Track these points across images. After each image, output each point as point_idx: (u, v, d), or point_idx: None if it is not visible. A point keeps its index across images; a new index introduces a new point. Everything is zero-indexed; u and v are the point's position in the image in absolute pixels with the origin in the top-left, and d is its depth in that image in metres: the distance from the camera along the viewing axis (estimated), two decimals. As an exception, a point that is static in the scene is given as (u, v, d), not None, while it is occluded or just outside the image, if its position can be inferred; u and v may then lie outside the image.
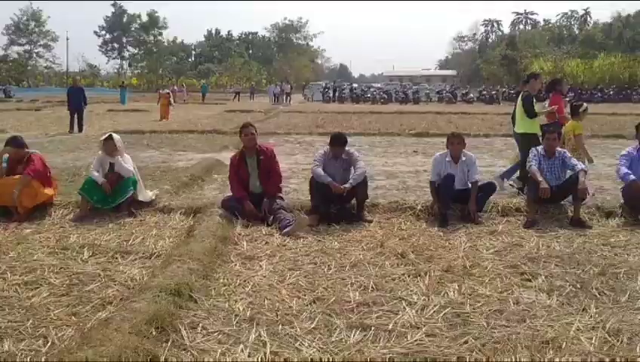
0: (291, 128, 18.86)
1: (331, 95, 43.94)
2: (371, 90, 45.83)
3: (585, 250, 5.36)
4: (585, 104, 8.87)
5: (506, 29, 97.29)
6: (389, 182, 9.16)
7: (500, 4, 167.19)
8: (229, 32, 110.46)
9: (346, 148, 6.60)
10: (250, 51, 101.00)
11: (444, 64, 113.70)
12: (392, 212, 6.68)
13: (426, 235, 5.88)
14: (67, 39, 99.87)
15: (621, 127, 18.81)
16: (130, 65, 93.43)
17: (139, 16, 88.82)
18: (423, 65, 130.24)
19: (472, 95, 42.56)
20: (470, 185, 6.54)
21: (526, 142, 8.11)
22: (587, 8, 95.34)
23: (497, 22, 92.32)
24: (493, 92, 42.32)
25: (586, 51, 53.63)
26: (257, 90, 57.48)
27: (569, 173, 6.60)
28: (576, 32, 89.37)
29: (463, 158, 6.66)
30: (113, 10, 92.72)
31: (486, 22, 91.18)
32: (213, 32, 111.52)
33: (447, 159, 6.67)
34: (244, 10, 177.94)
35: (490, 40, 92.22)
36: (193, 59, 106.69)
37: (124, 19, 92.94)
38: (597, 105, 36.63)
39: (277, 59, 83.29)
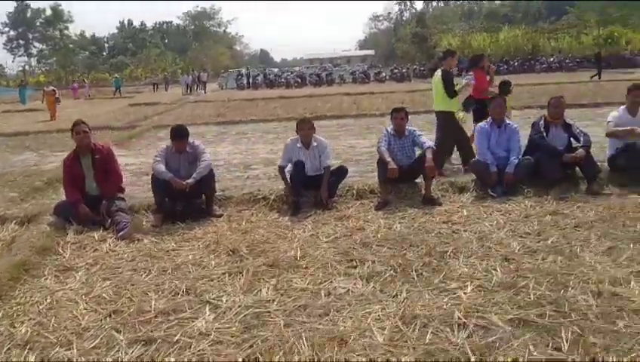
0: (192, 119, 18.19)
1: (245, 82, 43.19)
2: (284, 74, 45.32)
3: (423, 230, 5.28)
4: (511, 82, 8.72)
5: (419, 6, 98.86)
6: (265, 170, 8.89)
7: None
8: (142, 22, 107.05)
9: (190, 140, 6.26)
10: (166, 41, 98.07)
11: (363, 44, 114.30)
12: (244, 204, 6.42)
13: (272, 226, 5.65)
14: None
15: (528, 97, 19.26)
16: (38, 62, 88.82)
17: (43, 10, 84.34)
18: (344, 46, 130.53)
19: (384, 74, 42.87)
20: (323, 170, 6.36)
21: (447, 120, 8.01)
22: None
23: (410, 0, 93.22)
24: (404, 70, 42.76)
25: (491, 25, 55.14)
26: (173, 81, 55.80)
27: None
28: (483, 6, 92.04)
29: (314, 144, 6.47)
30: (15, 6, 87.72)
31: (399, 0, 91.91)
32: (126, 23, 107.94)
33: (298, 145, 6.46)
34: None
35: (404, 18, 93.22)
36: (107, 52, 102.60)
37: (28, 15, 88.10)
38: (504, 77, 38.24)
39: (192, 48, 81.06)
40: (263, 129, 14.90)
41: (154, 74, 67.86)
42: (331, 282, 4.12)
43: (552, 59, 44.26)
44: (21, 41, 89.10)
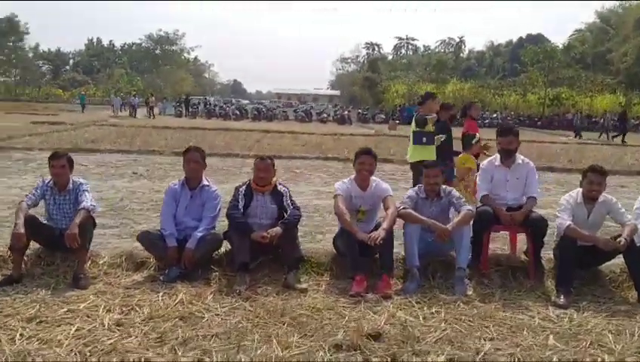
0: (78, 144, 16.76)
1: (182, 110, 42.18)
2: (225, 105, 44.42)
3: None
4: (477, 135, 7.67)
5: (389, 52, 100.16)
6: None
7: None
8: (110, 41, 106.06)
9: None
10: (134, 62, 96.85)
11: (334, 84, 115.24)
12: None
13: None
14: None
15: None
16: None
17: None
18: (317, 84, 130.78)
19: (325, 115, 42.35)
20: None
21: (418, 172, 6.89)
22: (462, 37, 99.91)
23: (378, 45, 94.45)
24: (345, 112, 42.29)
25: (439, 76, 55.50)
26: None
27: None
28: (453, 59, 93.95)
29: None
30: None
31: (367, 44, 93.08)
32: (95, 40, 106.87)
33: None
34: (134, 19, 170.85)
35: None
36: (71, 67, 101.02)
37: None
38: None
39: (149, 72, 79.93)
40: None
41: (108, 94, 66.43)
42: None
43: (494, 115, 44.26)
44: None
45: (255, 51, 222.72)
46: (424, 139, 7.55)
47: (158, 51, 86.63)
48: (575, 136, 32.10)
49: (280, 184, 5.32)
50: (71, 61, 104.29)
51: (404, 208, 5.19)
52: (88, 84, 79.08)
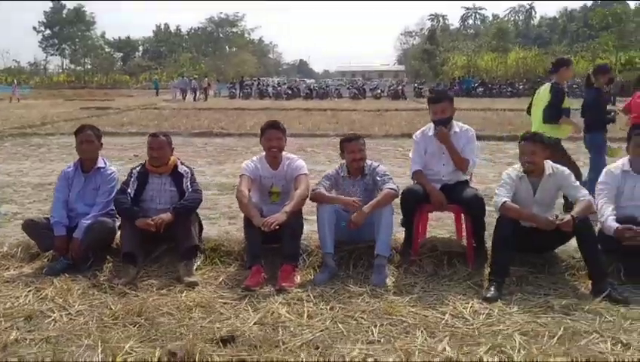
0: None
1: (236, 91, 42.28)
2: (278, 85, 44.12)
3: None
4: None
5: (455, 23, 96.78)
6: None
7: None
8: (177, 26, 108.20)
9: None
10: (202, 47, 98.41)
11: (401, 59, 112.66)
12: None
13: None
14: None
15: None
16: (71, 62, 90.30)
17: (76, 9, 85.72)
18: (385, 60, 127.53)
19: (379, 90, 41.21)
20: None
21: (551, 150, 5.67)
22: (531, 3, 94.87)
23: (443, 16, 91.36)
24: (399, 87, 40.97)
25: (501, 45, 52.41)
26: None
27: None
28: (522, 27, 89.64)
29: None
30: (52, 6, 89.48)
31: (432, 16, 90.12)
32: (162, 27, 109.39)
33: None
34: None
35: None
36: (141, 54, 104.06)
37: (64, 14, 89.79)
38: (507, 100, 36.19)
39: (209, 54, 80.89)
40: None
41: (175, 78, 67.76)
42: None
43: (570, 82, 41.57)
44: (56, 40, 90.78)
45: (321, 30, 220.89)
46: (563, 117, 6.41)
47: (219, 34, 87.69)
48: None
49: (182, 164, 4.81)
50: (140, 48, 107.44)
51: (317, 189, 4.57)
52: (155, 69, 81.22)
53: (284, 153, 4.75)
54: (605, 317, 3.66)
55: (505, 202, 4.23)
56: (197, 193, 4.66)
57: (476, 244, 4.60)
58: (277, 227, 4.19)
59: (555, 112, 6.37)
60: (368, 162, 4.74)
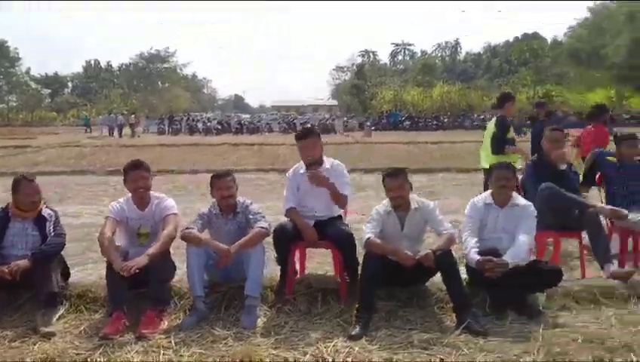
0: None
1: (164, 127, 41.69)
2: (206, 121, 43.83)
3: None
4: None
5: (386, 59, 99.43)
6: None
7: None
8: (108, 62, 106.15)
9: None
10: (131, 82, 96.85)
11: (334, 93, 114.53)
12: None
13: None
14: None
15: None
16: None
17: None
18: (319, 94, 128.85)
19: (309, 125, 41.57)
20: None
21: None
22: (457, 39, 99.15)
23: (373, 52, 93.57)
24: (328, 121, 41.58)
25: (425, 80, 54.48)
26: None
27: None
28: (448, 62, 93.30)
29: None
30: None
31: (362, 52, 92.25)
32: (93, 62, 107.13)
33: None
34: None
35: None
36: (70, 90, 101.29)
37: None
38: (432, 133, 37.22)
39: (141, 90, 79.74)
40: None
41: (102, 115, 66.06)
42: None
43: (482, 117, 43.33)
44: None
45: (255, 65, 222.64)
46: (507, 148, 6.81)
47: (151, 70, 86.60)
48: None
49: (47, 207, 4.61)
50: (69, 84, 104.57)
51: (189, 228, 4.46)
52: (84, 105, 79.04)
53: (152, 193, 4.63)
54: (463, 350, 3.70)
55: (369, 238, 4.26)
56: (59, 237, 4.46)
57: (350, 280, 4.59)
58: (137, 271, 4.04)
59: (501, 144, 6.77)
60: (241, 200, 4.68)
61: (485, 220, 4.55)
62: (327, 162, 4.83)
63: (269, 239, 4.60)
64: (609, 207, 5.11)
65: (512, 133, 6.97)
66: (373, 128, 36.25)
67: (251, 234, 4.37)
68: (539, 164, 5.45)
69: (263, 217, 4.56)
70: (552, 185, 5.03)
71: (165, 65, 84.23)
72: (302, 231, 4.58)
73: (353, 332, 3.95)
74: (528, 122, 34.08)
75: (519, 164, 6.86)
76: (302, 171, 4.81)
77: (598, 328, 4.01)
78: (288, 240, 4.57)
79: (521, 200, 4.61)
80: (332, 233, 4.54)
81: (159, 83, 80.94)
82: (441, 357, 3.62)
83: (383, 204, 4.53)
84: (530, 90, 47.87)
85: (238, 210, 4.62)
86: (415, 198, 4.51)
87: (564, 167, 5.30)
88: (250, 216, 4.54)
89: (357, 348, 3.76)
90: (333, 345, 3.81)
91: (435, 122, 42.96)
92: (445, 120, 43.41)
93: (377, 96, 49.28)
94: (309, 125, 40.81)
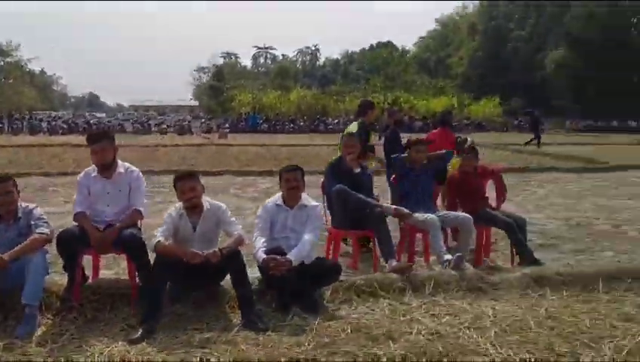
0: None
1: (3, 126, 38.28)
2: (51, 121, 40.99)
3: None
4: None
5: (247, 62, 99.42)
6: None
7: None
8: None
9: None
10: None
11: (196, 94, 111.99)
12: None
13: None
14: None
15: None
16: None
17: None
18: (182, 95, 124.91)
19: (165, 125, 40.49)
20: None
21: None
22: (317, 45, 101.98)
23: (235, 54, 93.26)
24: (184, 122, 40.78)
25: (282, 84, 55.60)
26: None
27: None
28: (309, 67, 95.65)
29: None
30: None
31: (224, 54, 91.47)
32: None
33: None
34: None
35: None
36: None
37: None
38: (289, 135, 37.67)
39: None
40: None
41: None
42: None
43: (336, 121, 44.86)
44: None
45: (113, 62, 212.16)
46: (367, 153, 6.88)
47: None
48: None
49: None
50: None
51: None
52: None
53: None
54: (240, 347, 3.82)
55: (158, 241, 4.26)
56: None
57: (142, 284, 4.56)
58: None
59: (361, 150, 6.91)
60: (24, 205, 4.47)
61: (275, 220, 4.74)
62: (122, 167, 4.75)
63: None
64: (394, 206, 5.57)
65: (372, 139, 7.33)
66: (228, 130, 36.09)
67: (28, 241, 4.19)
68: (337, 166, 5.79)
69: (46, 223, 4.39)
70: (343, 186, 5.38)
71: (8, 60, 77.16)
72: (89, 235, 4.46)
73: (134, 337, 3.93)
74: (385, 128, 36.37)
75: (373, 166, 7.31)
76: (94, 175, 4.69)
77: (370, 318, 4.35)
78: (74, 245, 4.43)
79: (310, 201, 4.87)
80: (120, 237, 4.47)
81: (2, 79, 73.97)
82: (217, 354, 3.71)
83: (176, 208, 4.56)
84: (381, 96, 50.43)
85: (20, 216, 4.40)
86: (207, 200, 4.59)
87: (358, 170, 5.68)
88: (32, 222, 4.34)
89: (133, 352, 3.75)
90: (109, 350, 3.76)
91: (291, 125, 43.71)
92: (302, 123, 44.34)
93: (236, 98, 49.14)
94: (164, 126, 39.85)
